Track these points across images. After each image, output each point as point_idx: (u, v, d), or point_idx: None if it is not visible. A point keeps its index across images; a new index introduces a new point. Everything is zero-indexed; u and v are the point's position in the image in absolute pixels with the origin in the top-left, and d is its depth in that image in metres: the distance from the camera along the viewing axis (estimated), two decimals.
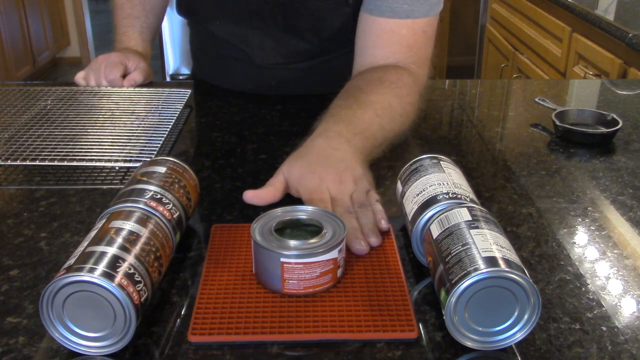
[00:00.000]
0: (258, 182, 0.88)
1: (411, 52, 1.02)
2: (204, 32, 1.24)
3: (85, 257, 0.56)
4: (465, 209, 0.63)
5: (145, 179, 0.70)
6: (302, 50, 1.15)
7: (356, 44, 1.06)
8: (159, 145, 0.95)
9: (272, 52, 1.16)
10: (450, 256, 0.58)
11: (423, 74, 1.05)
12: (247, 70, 1.19)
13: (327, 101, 1.16)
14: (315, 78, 1.18)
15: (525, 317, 0.56)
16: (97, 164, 0.90)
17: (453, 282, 0.55)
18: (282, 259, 0.61)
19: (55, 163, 0.90)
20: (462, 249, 0.58)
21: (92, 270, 0.54)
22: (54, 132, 1.00)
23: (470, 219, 0.62)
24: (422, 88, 1.03)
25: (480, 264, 0.55)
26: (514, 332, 0.56)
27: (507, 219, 0.78)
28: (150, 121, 1.04)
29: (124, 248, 0.58)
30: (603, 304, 0.64)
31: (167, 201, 0.67)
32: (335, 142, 0.83)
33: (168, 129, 1.00)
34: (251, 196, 0.79)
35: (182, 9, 1.26)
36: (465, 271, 0.55)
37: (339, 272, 0.64)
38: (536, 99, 1.12)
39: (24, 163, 0.90)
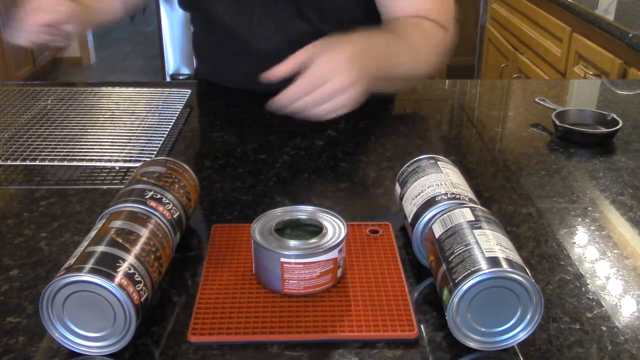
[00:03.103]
0: (258, 182, 0.88)
1: (438, 7, 1.04)
2: (206, 25, 1.24)
3: (85, 257, 0.56)
4: (468, 209, 0.63)
5: (145, 179, 0.70)
6: (304, 32, 1.14)
7: None
8: (159, 145, 0.95)
9: (273, 36, 1.15)
10: (453, 256, 0.58)
11: (450, 34, 1.06)
12: (249, 64, 1.18)
13: None
14: None
15: (528, 317, 0.56)
16: (97, 164, 0.90)
17: (456, 281, 0.55)
18: (282, 259, 0.61)
19: (55, 163, 0.90)
20: (465, 248, 0.58)
21: (92, 270, 0.54)
22: (54, 132, 1.00)
23: (473, 219, 0.62)
24: (449, 46, 1.05)
25: (483, 264, 0.55)
26: (516, 332, 0.56)
27: (507, 219, 0.78)
28: (150, 121, 1.04)
29: (124, 248, 0.58)
30: (603, 304, 0.64)
31: (167, 201, 0.67)
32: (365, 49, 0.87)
33: (168, 129, 1.00)
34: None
35: (184, 2, 1.25)
36: (469, 271, 0.55)
37: (339, 272, 0.64)
38: (536, 99, 1.12)
39: (24, 163, 0.90)
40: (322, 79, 0.80)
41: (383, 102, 1.20)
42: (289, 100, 0.80)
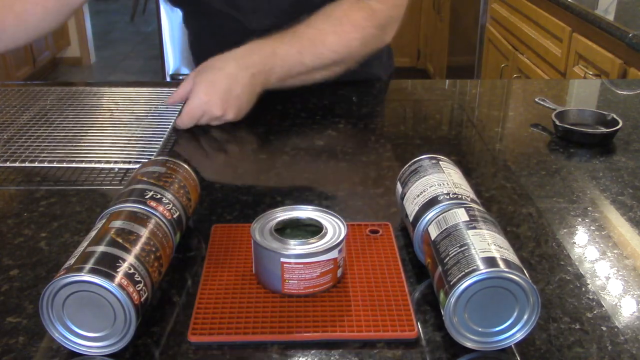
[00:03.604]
0: (258, 182, 0.88)
1: None
2: (197, 19, 1.24)
3: (85, 257, 0.56)
4: (463, 209, 0.63)
5: (145, 179, 0.70)
6: (294, 4, 1.14)
7: None
8: (159, 145, 0.95)
9: (265, 14, 1.15)
10: (448, 257, 0.58)
11: (381, 9, 1.11)
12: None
13: (325, 101, 1.16)
14: None
15: (525, 317, 0.56)
16: (97, 165, 0.90)
17: (452, 283, 0.55)
18: (282, 259, 0.61)
19: (54, 165, 0.90)
20: (460, 250, 0.58)
21: (92, 270, 0.54)
22: (53, 132, 1.00)
23: (468, 219, 0.62)
24: (381, 21, 1.11)
25: (479, 265, 0.55)
26: (513, 332, 0.56)
27: (507, 219, 0.78)
28: (150, 121, 1.04)
29: (124, 248, 0.58)
30: (603, 304, 0.64)
31: (167, 201, 0.67)
32: (240, 72, 1.02)
33: (168, 129, 1.00)
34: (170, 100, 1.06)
35: None
36: (464, 272, 0.55)
37: (339, 272, 0.64)
38: (536, 99, 1.12)
39: (23, 165, 0.90)
40: (200, 112, 1.01)
41: (383, 102, 1.20)
42: (183, 125, 1.02)
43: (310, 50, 1.07)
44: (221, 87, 1.01)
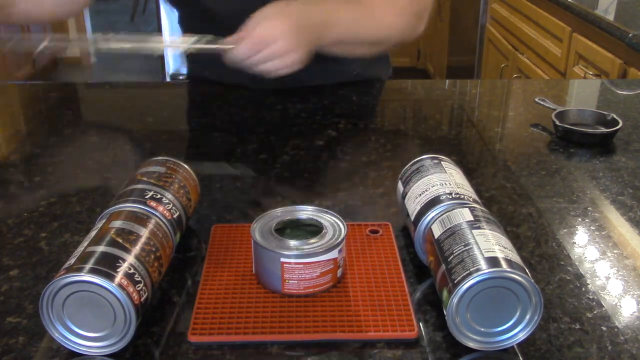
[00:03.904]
0: (258, 182, 0.88)
1: None
2: (194, 21, 1.23)
3: (85, 257, 0.56)
4: (467, 209, 0.63)
5: (145, 179, 0.70)
6: None
7: None
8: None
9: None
10: (452, 256, 0.58)
11: None
12: None
13: (325, 100, 1.16)
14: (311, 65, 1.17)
15: (527, 317, 0.56)
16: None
17: (455, 282, 0.55)
18: (282, 259, 0.61)
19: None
20: (464, 249, 0.58)
21: (92, 270, 0.54)
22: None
23: (472, 219, 0.62)
24: (420, 8, 1.10)
25: (483, 264, 0.55)
26: (516, 332, 0.56)
27: (507, 219, 0.78)
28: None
29: (124, 248, 0.58)
30: (603, 304, 0.64)
31: (167, 201, 0.67)
32: (306, 13, 0.96)
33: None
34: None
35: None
36: (468, 271, 0.55)
37: (339, 272, 0.64)
38: (536, 99, 1.12)
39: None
40: (264, 43, 0.91)
41: (383, 102, 1.20)
42: (237, 57, 0.94)
43: (367, 22, 1.04)
44: (292, 19, 0.94)
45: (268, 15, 0.93)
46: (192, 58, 1.31)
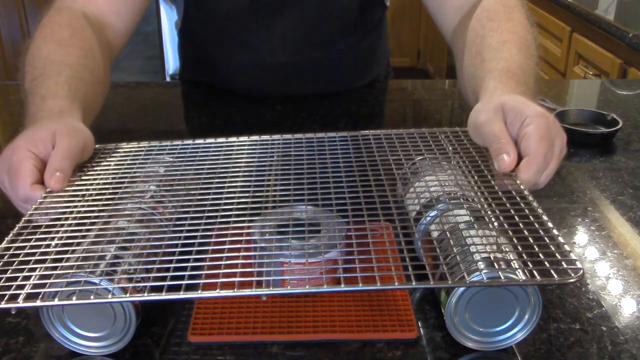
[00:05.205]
0: (258, 182, 0.87)
1: None
2: (212, 31, 1.21)
3: (85, 257, 0.56)
4: (467, 209, 0.63)
5: (145, 179, 0.70)
6: (307, 37, 1.12)
7: None
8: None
9: (279, 42, 1.12)
10: (450, 257, 0.58)
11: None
12: (254, 70, 1.16)
13: (326, 101, 1.16)
14: (318, 73, 1.16)
15: (526, 317, 0.56)
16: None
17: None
18: (282, 259, 0.61)
19: None
20: (462, 249, 0.58)
21: (92, 270, 0.54)
22: None
23: (471, 219, 0.61)
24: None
25: (480, 265, 0.55)
26: (514, 332, 0.56)
27: (507, 219, 0.78)
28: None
29: (123, 248, 0.58)
30: (603, 304, 0.64)
31: (167, 201, 0.67)
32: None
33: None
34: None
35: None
36: (466, 272, 0.55)
37: (339, 272, 0.64)
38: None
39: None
40: (551, 141, 0.68)
41: (383, 102, 1.20)
42: (531, 180, 0.68)
43: (529, 47, 0.83)
44: (547, 123, 0.69)
45: (539, 121, 0.68)
46: (188, 64, 1.30)
